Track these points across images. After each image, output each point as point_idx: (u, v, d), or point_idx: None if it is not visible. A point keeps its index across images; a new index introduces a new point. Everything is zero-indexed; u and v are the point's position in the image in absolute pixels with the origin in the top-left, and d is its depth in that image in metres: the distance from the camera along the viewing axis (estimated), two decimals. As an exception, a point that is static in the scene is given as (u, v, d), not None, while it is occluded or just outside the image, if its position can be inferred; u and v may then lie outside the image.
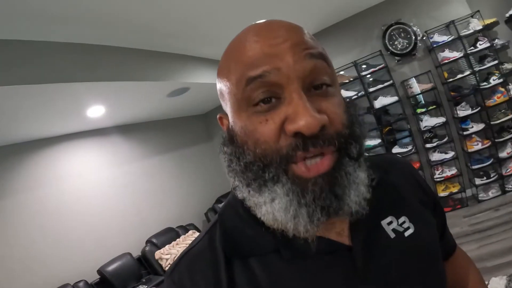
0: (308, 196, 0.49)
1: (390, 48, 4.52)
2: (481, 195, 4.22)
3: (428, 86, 4.32)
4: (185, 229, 4.58)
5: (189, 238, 4.28)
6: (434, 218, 0.71)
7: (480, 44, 4.04)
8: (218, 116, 0.65)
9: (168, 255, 3.99)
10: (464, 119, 4.19)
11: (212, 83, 4.19)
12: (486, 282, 2.53)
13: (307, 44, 0.52)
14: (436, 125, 4.29)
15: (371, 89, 4.46)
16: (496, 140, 4.12)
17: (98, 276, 3.76)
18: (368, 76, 4.55)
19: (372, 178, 0.57)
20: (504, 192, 4.13)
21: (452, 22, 4.13)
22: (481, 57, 4.11)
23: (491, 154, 4.27)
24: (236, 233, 0.59)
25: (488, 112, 4.09)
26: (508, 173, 4.11)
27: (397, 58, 4.56)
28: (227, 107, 0.58)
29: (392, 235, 0.61)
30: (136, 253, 4.17)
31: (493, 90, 4.09)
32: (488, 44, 4.01)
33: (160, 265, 4.02)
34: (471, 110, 4.14)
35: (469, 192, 4.45)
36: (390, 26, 4.50)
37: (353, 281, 0.54)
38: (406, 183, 0.72)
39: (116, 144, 4.65)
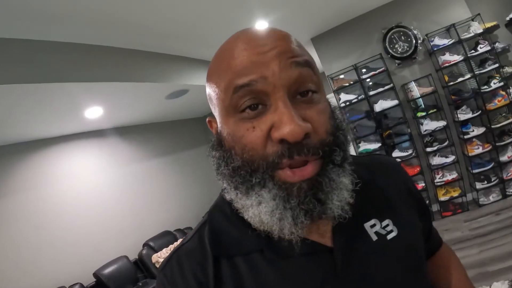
0: (293, 201, 0.51)
1: (391, 51, 4.48)
2: (482, 199, 4.18)
3: (428, 89, 4.28)
4: (182, 232, 4.50)
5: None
6: (420, 221, 0.73)
7: (480, 48, 4.02)
8: (207, 119, 0.67)
9: (165, 258, 3.89)
10: (465, 122, 4.16)
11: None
12: (488, 287, 2.52)
13: (293, 52, 0.54)
14: (437, 128, 4.24)
15: (371, 93, 4.42)
16: (497, 144, 4.08)
17: (94, 279, 3.70)
18: (368, 80, 4.51)
19: (357, 182, 0.58)
20: (505, 196, 4.09)
21: (453, 25, 4.10)
22: (482, 61, 4.08)
23: (491, 158, 4.23)
24: (223, 233, 0.61)
25: (489, 116, 4.06)
26: (509, 177, 4.07)
27: (397, 61, 4.51)
28: (216, 112, 0.60)
29: (374, 237, 0.62)
30: (133, 256, 4.11)
31: (494, 93, 4.07)
32: (488, 48, 3.98)
33: (157, 269, 3.93)
34: (472, 114, 4.10)
35: (469, 196, 4.40)
36: (390, 30, 4.46)
37: (332, 281, 0.56)
38: (393, 185, 0.73)
39: (114, 146, 4.60)
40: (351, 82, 4.50)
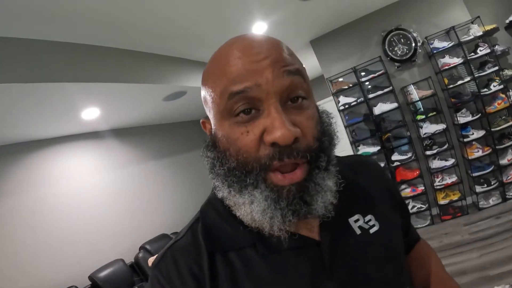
0: (282, 202, 0.55)
1: (390, 54, 4.44)
2: (482, 203, 4.13)
3: (428, 92, 4.24)
4: (180, 235, 4.38)
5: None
6: (399, 217, 0.77)
7: (480, 50, 3.98)
8: (201, 120, 0.69)
9: (161, 262, 3.82)
10: (465, 125, 4.11)
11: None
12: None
13: (286, 62, 0.57)
14: (436, 132, 4.19)
15: (370, 96, 4.37)
16: (496, 147, 4.05)
17: (90, 282, 3.61)
18: (367, 83, 4.46)
19: (340, 182, 0.62)
20: (505, 199, 4.05)
21: (452, 28, 4.06)
22: (482, 63, 4.05)
23: (491, 161, 4.18)
24: (217, 228, 0.63)
25: (489, 119, 4.02)
26: (509, 180, 4.03)
27: (397, 64, 4.47)
28: (210, 114, 0.63)
29: (358, 231, 0.66)
30: (129, 259, 4.03)
31: (494, 96, 4.03)
32: (488, 50, 3.95)
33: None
34: (472, 117, 4.07)
35: (469, 200, 4.35)
36: (390, 32, 4.42)
37: (321, 273, 0.59)
38: (374, 184, 0.78)
39: (111, 148, 4.54)
40: (350, 85, 4.45)
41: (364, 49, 4.62)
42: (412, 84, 4.30)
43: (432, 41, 4.17)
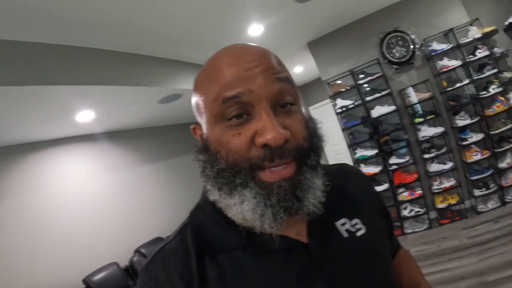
0: (273, 198, 0.56)
1: (388, 56, 4.35)
2: (480, 207, 4.05)
3: (426, 95, 4.16)
4: (175, 239, 4.33)
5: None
6: (384, 223, 0.79)
7: (479, 53, 3.91)
8: (191, 126, 0.70)
9: (156, 266, 3.78)
10: (463, 129, 4.05)
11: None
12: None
13: (276, 69, 0.60)
14: (434, 135, 4.11)
15: (368, 98, 4.28)
16: (495, 150, 3.97)
17: (84, 286, 3.56)
18: (366, 85, 4.38)
19: (327, 184, 0.64)
20: (503, 203, 3.97)
21: (451, 30, 3.99)
22: (480, 66, 3.98)
23: (490, 164, 4.11)
24: (205, 231, 0.64)
25: (488, 122, 3.96)
26: (507, 184, 3.95)
27: (394, 66, 4.39)
28: (202, 120, 0.64)
29: (345, 234, 0.67)
30: (124, 262, 3.97)
31: (493, 99, 3.97)
32: (487, 53, 3.88)
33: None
34: (470, 120, 3.99)
35: (468, 204, 4.26)
36: (388, 34, 4.34)
37: (310, 274, 0.60)
38: (359, 190, 0.79)
39: (106, 151, 4.46)
40: (348, 88, 4.37)
41: (361, 51, 4.53)
42: (410, 86, 4.22)
43: (430, 43, 4.09)
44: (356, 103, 4.34)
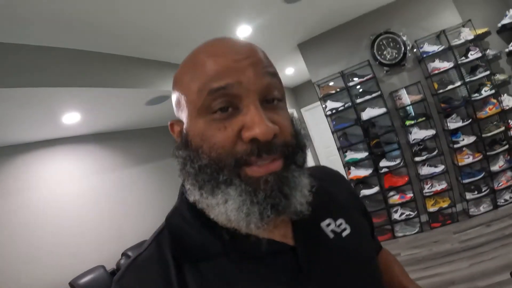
0: (260, 195, 0.52)
1: (379, 58, 4.25)
2: (472, 210, 3.97)
3: (417, 97, 4.08)
4: (163, 242, 4.28)
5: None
6: (366, 222, 0.80)
7: (471, 54, 3.83)
8: (169, 122, 0.65)
9: (143, 269, 3.73)
10: (455, 131, 3.97)
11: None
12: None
13: (265, 63, 0.57)
14: (426, 137, 4.03)
15: (358, 100, 4.20)
16: (487, 153, 3.89)
17: (70, 289, 3.51)
18: (358, 87, 4.30)
19: (313, 185, 0.61)
20: (496, 206, 3.90)
21: (443, 31, 3.90)
22: (473, 68, 3.90)
23: (482, 167, 4.03)
24: (184, 237, 0.59)
25: (480, 124, 3.88)
26: (500, 187, 3.89)
27: (385, 68, 4.29)
28: (183, 114, 0.60)
29: (331, 235, 0.66)
30: (111, 265, 3.89)
31: (485, 101, 3.89)
32: (479, 54, 3.80)
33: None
34: (462, 122, 3.92)
35: (459, 207, 4.18)
36: (379, 36, 4.24)
37: (298, 278, 0.57)
38: (340, 191, 0.79)
39: (93, 153, 4.38)
40: (338, 90, 4.28)
41: (352, 53, 4.44)
42: (401, 89, 4.15)
43: (422, 45, 4.01)
44: (346, 105, 4.25)
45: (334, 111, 4.29)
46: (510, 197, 3.88)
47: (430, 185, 4.10)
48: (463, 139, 3.95)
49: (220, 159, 0.53)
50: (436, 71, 3.94)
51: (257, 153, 0.52)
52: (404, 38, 4.15)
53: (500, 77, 3.92)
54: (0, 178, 3.47)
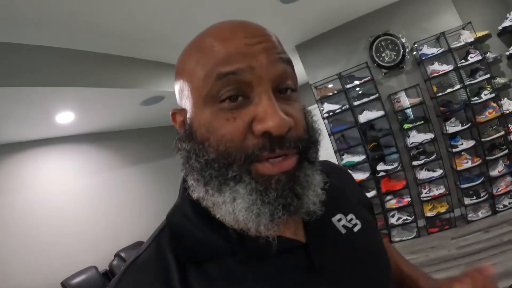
0: (271, 194, 0.48)
1: (377, 60, 4.15)
2: (471, 215, 3.87)
3: (416, 100, 3.97)
4: (156, 244, 4.22)
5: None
6: (371, 217, 0.74)
7: (471, 57, 3.72)
8: (171, 111, 0.59)
9: (134, 271, 3.67)
10: (454, 135, 3.86)
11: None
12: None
13: (279, 49, 0.52)
14: (424, 141, 3.92)
15: (356, 103, 4.10)
16: (487, 158, 3.79)
17: (62, 289, 3.48)
18: (358, 89, 4.20)
19: (325, 181, 0.57)
20: (494, 212, 3.79)
21: (443, 33, 3.79)
22: (472, 71, 3.79)
23: (481, 172, 3.92)
24: (187, 236, 0.54)
25: (479, 129, 3.78)
26: (499, 193, 3.78)
27: (384, 70, 4.19)
28: (187, 103, 0.54)
29: (343, 230, 0.62)
30: (104, 266, 3.85)
31: (485, 105, 3.79)
32: (479, 57, 3.69)
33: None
34: (461, 126, 3.81)
35: (457, 212, 4.07)
36: (377, 37, 4.14)
37: (311, 276, 0.54)
38: (347, 186, 0.75)
39: (88, 153, 4.34)
40: (335, 92, 4.18)
41: (350, 54, 4.34)
42: (400, 91, 4.04)
43: (421, 47, 3.90)
44: (343, 107, 4.15)
45: (331, 113, 4.19)
46: (509, 203, 3.77)
47: (428, 189, 4.00)
48: (462, 143, 3.85)
49: (229, 153, 0.48)
50: (435, 74, 3.84)
51: (270, 147, 0.47)
52: (403, 40, 4.06)
53: (500, 80, 3.81)
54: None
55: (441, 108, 3.88)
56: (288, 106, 0.51)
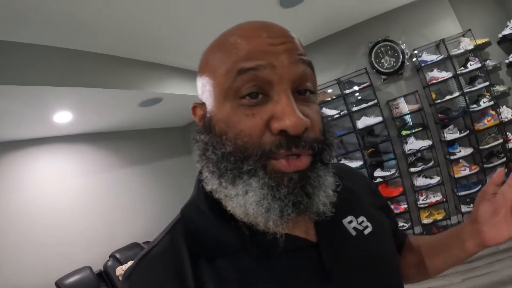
0: (282, 191, 0.49)
1: (376, 66, 4.10)
2: (468, 223, 3.79)
3: (414, 107, 3.92)
4: (151, 245, 4.17)
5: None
6: (387, 219, 0.74)
7: (470, 65, 3.68)
8: (192, 104, 0.60)
9: (129, 272, 3.62)
10: (452, 142, 3.81)
11: (186, 95, 3.88)
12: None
13: (300, 51, 0.53)
14: (422, 148, 3.87)
15: (354, 108, 4.04)
16: (484, 166, 3.75)
17: (56, 288, 3.44)
18: (357, 94, 4.14)
19: (338, 184, 0.58)
20: (492, 220, 3.71)
21: (442, 40, 3.75)
22: (472, 78, 3.74)
23: (479, 180, 3.87)
24: (201, 231, 0.55)
25: (477, 136, 3.73)
26: None
27: (383, 77, 4.14)
28: (208, 97, 0.55)
29: (354, 232, 0.63)
30: (99, 267, 3.80)
31: (483, 113, 3.75)
32: (479, 65, 3.64)
33: (120, 281, 3.64)
34: (459, 134, 3.77)
35: (454, 219, 4.01)
36: (377, 43, 4.09)
37: (320, 275, 0.54)
38: (360, 188, 0.74)
39: (85, 153, 4.29)
40: (334, 97, 4.12)
41: (350, 60, 4.29)
42: (398, 97, 3.99)
43: (420, 54, 3.85)
44: (342, 113, 4.09)
45: (329, 118, 4.13)
46: (507, 212, 3.69)
47: (425, 196, 3.94)
48: (460, 151, 3.80)
49: (246, 148, 0.49)
50: (435, 81, 3.79)
51: (286, 145, 0.48)
52: (403, 47, 4.01)
53: (499, 88, 3.76)
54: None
55: (440, 115, 3.83)
56: (306, 108, 0.52)
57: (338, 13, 3.81)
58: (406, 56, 4.03)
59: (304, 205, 0.50)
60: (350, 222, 0.64)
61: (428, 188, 3.93)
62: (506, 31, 3.69)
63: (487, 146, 3.71)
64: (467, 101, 3.73)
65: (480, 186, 3.76)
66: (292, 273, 0.53)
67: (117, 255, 3.83)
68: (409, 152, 3.91)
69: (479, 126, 3.72)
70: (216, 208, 0.55)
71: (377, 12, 4.12)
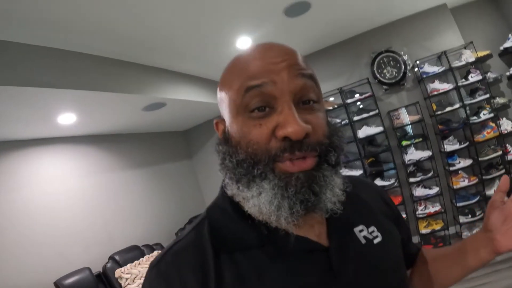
0: (290, 190, 0.53)
1: (378, 76, 4.08)
2: (465, 234, 3.77)
3: (415, 117, 3.90)
4: (151, 248, 4.09)
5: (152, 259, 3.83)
6: (398, 231, 0.75)
7: (471, 77, 3.67)
8: (215, 121, 0.67)
9: (128, 274, 3.54)
10: (451, 153, 3.78)
11: (190, 100, 3.86)
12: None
13: (300, 66, 0.57)
14: (421, 158, 3.83)
15: (355, 118, 4.02)
16: (483, 177, 3.71)
17: (55, 289, 3.39)
18: (359, 104, 4.12)
19: (347, 185, 0.61)
20: (489, 232, 3.68)
21: (444, 52, 3.73)
22: (472, 90, 3.73)
23: (477, 191, 3.84)
24: (223, 228, 0.61)
25: (477, 148, 3.70)
26: None
27: (384, 87, 4.12)
28: (226, 112, 0.61)
29: (363, 241, 0.64)
30: (98, 268, 3.73)
31: (483, 125, 3.72)
32: (480, 77, 3.63)
33: (120, 284, 3.58)
34: (459, 145, 3.73)
35: (452, 230, 3.98)
36: (379, 54, 4.07)
37: (328, 278, 0.57)
38: (373, 199, 0.76)
39: (88, 154, 4.24)
40: (336, 106, 4.10)
41: (352, 70, 4.27)
42: (399, 108, 3.97)
43: (422, 65, 3.83)
44: (343, 122, 4.07)
45: (338, 124, 4.12)
46: (505, 223, 3.66)
47: (423, 206, 3.91)
48: (459, 162, 3.77)
49: (256, 154, 0.54)
50: (436, 92, 3.77)
51: (289, 149, 0.53)
52: (405, 58, 3.98)
53: (499, 100, 3.75)
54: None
55: (440, 126, 3.81)
56: (310, 115, 0.55)
57: (342, 23, 3.79)
58: (408, 67, 4.01)
59: (312, 203, 0.54)
60: (361, 231, 0.66)
61: (427, 198, 3.90)
62: (507, 44, 3.69)
63: (486, 158, 3.68)
64: (468, 112, 3.70)
65: (478, 197, 3.73)
66: (302, 271, 0.56)
67: (117, 257, 3.78)
68: (409, 162, 3.88)
69: (479, 138, 3.70)
70: (237, 209, 0.60)
71: (380, 23, 4.11)
